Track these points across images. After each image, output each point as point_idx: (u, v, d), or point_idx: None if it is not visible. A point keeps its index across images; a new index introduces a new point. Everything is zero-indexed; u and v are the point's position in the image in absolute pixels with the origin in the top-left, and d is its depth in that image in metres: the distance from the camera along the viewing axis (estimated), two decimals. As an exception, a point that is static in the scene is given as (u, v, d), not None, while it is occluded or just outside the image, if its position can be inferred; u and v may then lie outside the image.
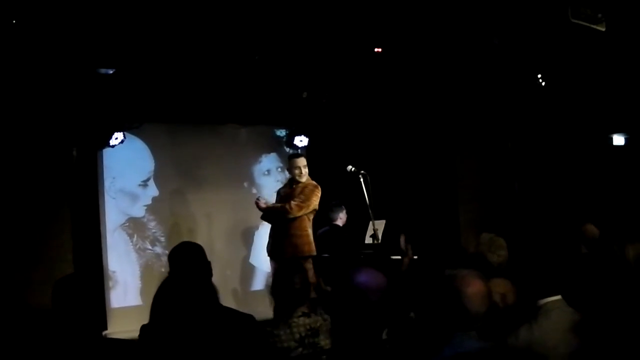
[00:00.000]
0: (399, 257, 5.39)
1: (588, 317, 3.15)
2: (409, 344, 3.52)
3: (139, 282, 7.71)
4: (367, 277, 2.65)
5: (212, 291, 3.21)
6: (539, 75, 7.24)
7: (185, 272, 3.70)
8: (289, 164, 7.19)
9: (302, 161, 7.04)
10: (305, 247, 6.87)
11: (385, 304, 2.62)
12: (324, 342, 3.65)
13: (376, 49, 6.44)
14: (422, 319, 3.70)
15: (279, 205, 6.94)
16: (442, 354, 2.86)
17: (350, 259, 7.12)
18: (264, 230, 8.38)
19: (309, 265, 6.70)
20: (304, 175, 6.97)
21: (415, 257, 5.20)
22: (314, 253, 6.90)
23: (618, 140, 8.93)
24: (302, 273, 4.03)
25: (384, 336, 3.63)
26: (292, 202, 6.81)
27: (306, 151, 8.42)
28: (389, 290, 2.61)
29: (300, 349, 3.68)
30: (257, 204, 6.98)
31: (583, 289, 3.50)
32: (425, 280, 4.26)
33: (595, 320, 3.09)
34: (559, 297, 3.36)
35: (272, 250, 7.00)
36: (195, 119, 7.86)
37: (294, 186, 6.98)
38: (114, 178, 7.61)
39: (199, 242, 4.17)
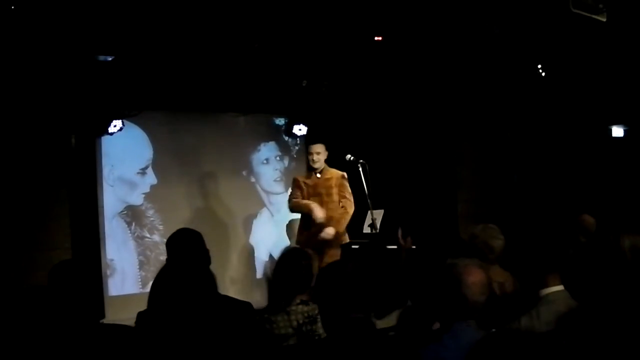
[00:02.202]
0: (395, 247, 5.40)
1: (585, 307, 3.15)
2: (407, 332, 3.52)
3: (137, 270, 7.71)
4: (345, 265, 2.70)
5: (210, 279, 3.20)
6: (539, 66, 7.22)
7: (183, 258, 3.70)
8: (307, 150, 7.18)
9: (317, 147, 7.04)
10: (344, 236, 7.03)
11: (370, 291, 2.63)
12: (322, 330, 3.65)
13: (376, 38, 6.42)
14: (420, 308, 3.70)
15: (341, 214, 6.92)
16: (441, 343, 2.86)
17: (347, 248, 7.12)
18: (263, 219, 8.42)
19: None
20: (318, 162, 6.97)
21: (414, 247, 5.20)
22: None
23: (617, 131, 8.92)
24: (307, 261, 4.03)
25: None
26: (349, 204, 6.94)
27: (305, 140, 8.41)
28: (360, 277, 2.63)
29: (297, 337, 3.68)
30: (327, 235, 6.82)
31: (582, 279, 3.50)
32: (424, 270, 4.27)
33: (591, 310, 3.08)
34: (561, 287, 3.36)
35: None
36: (194, 107, 7.84)
37: (320, 175, 6.99)
38: (112, 166, 7.59)
39: (197, 230, 4.15)
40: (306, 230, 6.97)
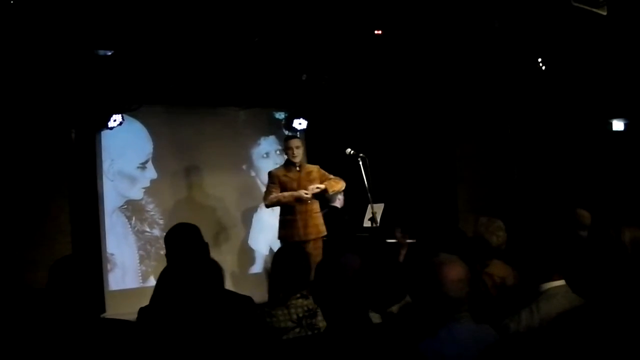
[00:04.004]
0: (394, 241, 5.41)
1: (587, 302, 3.14)
2: (405, 326, 3.53)
3: (138, 264, 7.73)
4: (344, 258, 2.68)
5: (212, 272, 3.19)
6: (540, 60, 7.21)
7: (182, 254, 3.69)
8: (285, 145, 7.09)
9: (297, 142, 7.02)
10: (324, 227, 7.01)
11: (369, 285, 2.64)
12: (322, 323, 3.65)
13: (376, 31, 6.41)
14: (417, 302, 3.71)
15: (325, 186, 6.89)
16: (437, 337, 2.87)
17: (348, 241, 7.13)
18: (263, 213, 8.40)
19: (320, 244, 6.87)
20: (298, 157, 6.95)
21: (414, 240, 5.21)
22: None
23: (617, 125, 8.91)
24: (304, 257, 4.03)
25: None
26: (337, 179, 6.96)
27: (305, 134, 8.41)
28: (363, 271, 2.63)
29: (297, 329, 3.69)
30: (307, 195, 6.82)
31: (583, 273, 3.50)
32: (420, 264, 4.26)
33: (593, 304, 3.08)
34: (562, 282, 3.35)
35: (304, 233, 6.91)
36: (194, 101, 7.84)
37: (299, 168, 6.95)
38: (112, 160, 7.60)
39: (198, 224, 4.15)
40: (288, 223, 6.95)
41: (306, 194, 6.79)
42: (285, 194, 6.86)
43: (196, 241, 3.82)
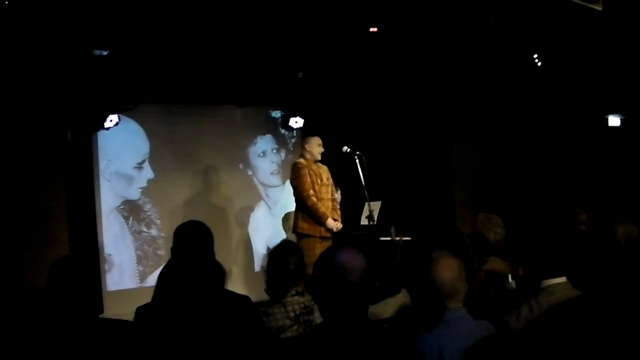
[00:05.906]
0: (389, 239, 5.42)
1: (583, 297, 3.15)
2: (403, 321, 3.54)
3: (135, 265, 7.71)
4: (346, 257, 2.60)
5: (215, 272, 3.18)
6: (535, 55, 7.22)
7: (188, 250, 3.68)
8: (312, 142, 7.00)
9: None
10: None
11: (368, 284, 2.62)
12: (319, 319, 3.64)
13: (371, 29, 6.41)
14: (415, 298, 3.72)
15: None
16: (434, 331, 2.88)
17: (343, 239, 7.13)
18: (260, 212, 8.41)
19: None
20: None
21: (409, 238, 5.21)
22: None
23: (614, 121, 8.92)
24: (297, 254, 4.02)
25: None
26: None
27: (301, 132, 8.40)
28: (369, 271, 2.60)
29: (295, 327, 3.68)
30: (335, 230, 6.89)
31: (579, 268, 3.50)
32: (415, 262, 4.28)
33: (593, 300, 3.08)
34: (563, 279, 3.34)
35: (326, 229, 6.90)
36: (190, 101, 7.83)
37: (319, 165, 7.00)
38: (109, 160, 7.58)
39: (194, 224, 4.13)
40: (313, 219, 6.86)
41: (337, 228, 6.83)
42: (323, 213, 6.78)
43: (206, 241, 3.80)
